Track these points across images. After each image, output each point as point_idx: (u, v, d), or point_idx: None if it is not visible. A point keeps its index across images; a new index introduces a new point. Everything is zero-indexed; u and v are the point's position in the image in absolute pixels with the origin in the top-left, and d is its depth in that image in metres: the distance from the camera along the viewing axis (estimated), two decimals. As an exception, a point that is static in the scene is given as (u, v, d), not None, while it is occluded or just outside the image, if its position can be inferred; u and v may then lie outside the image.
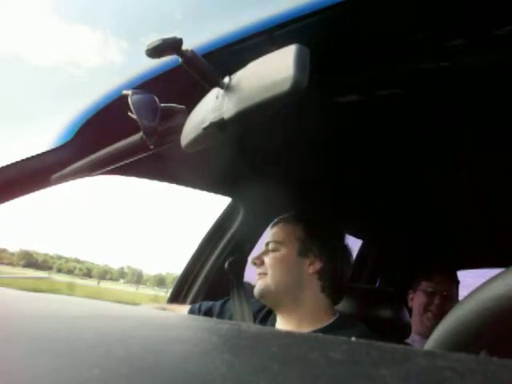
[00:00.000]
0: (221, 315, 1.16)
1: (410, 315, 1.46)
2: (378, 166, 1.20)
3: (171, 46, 0.47)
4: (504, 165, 1.04)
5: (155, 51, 0.47)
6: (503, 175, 1.11)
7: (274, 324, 1.02)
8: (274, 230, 1.05)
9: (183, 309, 1.24)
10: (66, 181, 0.88)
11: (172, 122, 0.72)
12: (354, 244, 2.05)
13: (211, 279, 1.40)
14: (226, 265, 1.25)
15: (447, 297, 1.46)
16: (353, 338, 0.24)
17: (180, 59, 0.49)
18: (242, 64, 0.49)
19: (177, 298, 1.40)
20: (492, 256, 1.82)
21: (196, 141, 0.55)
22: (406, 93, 0.78)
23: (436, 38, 0.59)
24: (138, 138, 0.73)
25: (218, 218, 1.45)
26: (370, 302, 1.17)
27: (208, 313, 1.18)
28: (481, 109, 0.81)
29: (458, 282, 1.55)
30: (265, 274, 0.99)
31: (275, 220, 1.10)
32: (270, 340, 0.27)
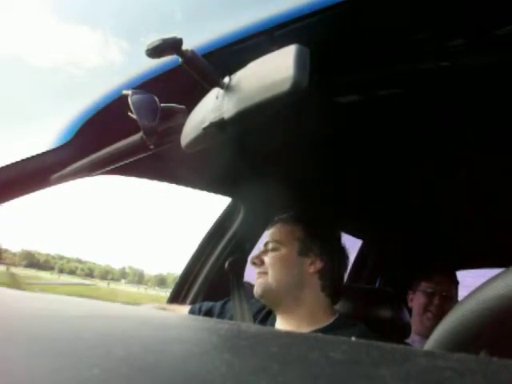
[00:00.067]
0: (221, 316, 1.16)
1: (410, 315, 1.46)
2: (378, 166, 1.20)
3: (171, 46, 0.47)
4: (504, 165, 1.04)
5: (155, 51, 0.47)
6: (503, 175, 1.11)
7: (273, 325, 1.02)
8: (274, 229, 1.05)
9: (183, 309, 1.24)
10: (66, 181, 0.88)
11: (172, 122, 0.72)
12: (354, 244, 2.05)
13: (211, 279, 1.40)
14: (226, 265, 1.25)
15: (447, 297, 1.47)
16: (353, 338, 0.24)
17: (180, 59, 0.49)
18: (242, 64, 0.49)
19: (177, 298, 1.40)
20: (492, 256, 1.82)
21: (196, 141, 0.55)
22: (406, 93, 0.78)
23: (436, 38, 0.59)
24: (137, 138, 0.73)
25: (218, 218, 1.45)
26: (370, 302, 1.17)
27: (208, 313, 1.18)
28: (481, 109, 0.81)
29: (457, 283, 1.55)
30: (264, 273, 0.99)
31: (274, 220, 1.10)
32: (270, 340, 0.27)
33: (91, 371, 0.17)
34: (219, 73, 0.50)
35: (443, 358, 0.20)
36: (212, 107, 0.51)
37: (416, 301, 1.53)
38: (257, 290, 0.99)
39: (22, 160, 0.84)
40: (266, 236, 1.07)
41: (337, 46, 0.64)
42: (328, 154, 1.14)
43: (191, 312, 1.19)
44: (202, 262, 1.42)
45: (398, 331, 1.15)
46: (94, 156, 0.83)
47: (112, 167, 0.85)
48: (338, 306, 1.04)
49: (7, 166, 0.82)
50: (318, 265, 0.99)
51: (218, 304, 1.20)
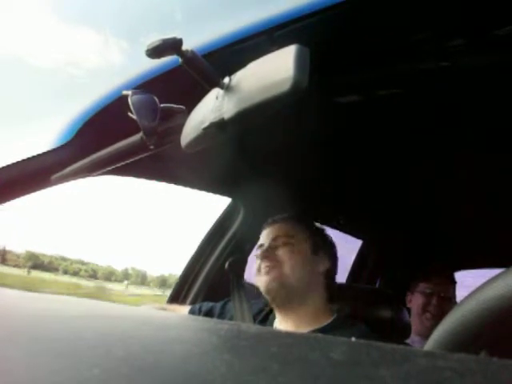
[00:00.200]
0: (221, 316, 1.15)
1: (410, 316, 1.46)
2: (378, 166, 1.20)
3: (171, 46, 0.47)
4: (504, 165, 1.04)
5: (155, 51, 0.47)
6: (503, 175, 1.11)
7: (272, 325, 1.02)
8: (283, 225, 1.04)
9: (183, 309, 1.24)
10: (67, 181, 0.88)
11: (172, 122, 0.72)
12: (354, 244, 2.05)
13: (211, 279, 1.39)
14: (227, 265, 1.25)
15: (445, 298, 1.47)
16: (353, 339, 0.24)
17: (180, 59, 0.49)
18: (242, 64, 0.49)
19: (177, 298, 1.40)
20: (492, 256, 1.82)
21: (196, 141, 0.55)
22: (406, 93, 0.78)
23: (436, 38, 0.59)
24: (138, 139, 0.73)
25: (218, 218, 1.45)
26: (370, 302, 1.17)
27: (208, 314, 1.18)
28: (481, 109, 0.81)
29: (455, 283, 1.55)
30: (274, 267, 0.96)
31: (280, 216, 1.08)
32: (270, 340, 0.27)
33: (91, 371, 0.17)
34: (219, 73, 0.50)
35: (443, 359, 0.20)
36: (212, 107, 0.51)
37: (415, 301, 1.53)
38: (269, 284, 0.95)
39: (23, 160, 0.84)
40: (273, 231, 1.04)
41: (337, 46, 0.64)
42: (328, 153, 1.14)
43: (191, 312, 1.19)
44: (202, 262, 1.42)
45: (398, 331, 1.15)
46: (94, 156, 0.83)
47: (112, 167, 0.85)
48: (338, 306, 1.04)
49: (8, 166, 0.82)
50: (327, 264, 0.99)
51: (218, 304, 1.20)
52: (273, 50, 0.45)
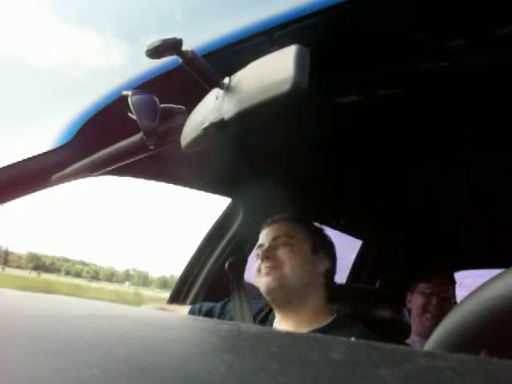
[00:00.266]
0: (221, 316, 1.15)
1: (410, 316, 1.46)
2: (378, 166, 1.20)
3: (171, 46, 0.47)
4: (504, 165, 1.04)
5: (155, 52, 0.47)
6: (503, 175, 1.11)
7: (272, 325, 1.02)
8: (283, 225, 1.03)
9: (183, 309, 1.24)
10: (67, 181, 0.88)
11: (172, 122, 0.72)
12: (354, 244, 2.05)
13: (211, 280, 1.39)
14: (227, 265, 1.25)
15: (445, 298, 1.47)
16: (352, 339, 0.24)
17: (180, 60, 0.49)
18: (242, 64, 0.49)
19: (177, 298, 1.40)
20: (492, 256, 1.82)
21: (196, 141, 0.55)
22: (406, 93, 0.78)
23: (436, 38, 0.59)
24: (138, 139, 0.73)
25: (218, 219, 1.45)
26: (370, 302, 1.17)
27: (208, 314, 1.18)
28: (481, 109, 0.81)
29: (455, 283, 1.55)
30: (275, 268, 0.96)
31: (280, 216, 1.08)
32: (270, 340, 0.27)
33: (91, 371, 0.17)
34: (219, 73, 0.50)
35: (443, 359, 0.20)
36: (212, 108, 0.51)
37: (414, 302, 1.53)
38: (270, 285, 0.95)
39: (23, 160, 0.84)
40: (273, 230, 1.04)
41: (337, 46, 0.64)
42: (328, 153, 1.14)
43: (191, 312, 1.19)
44: (202, 262, 1.42)
45: (397, 332, 1.15)
46: (94, 156, 0.83)
47: (112, 167, 0.85)
48: (337, 306, 1.04)
49: (8, 166, 0.82)
50: (327, 264, 1.00)
51: (218, 305, 1.20)
52: (273, 51, 0.45)
